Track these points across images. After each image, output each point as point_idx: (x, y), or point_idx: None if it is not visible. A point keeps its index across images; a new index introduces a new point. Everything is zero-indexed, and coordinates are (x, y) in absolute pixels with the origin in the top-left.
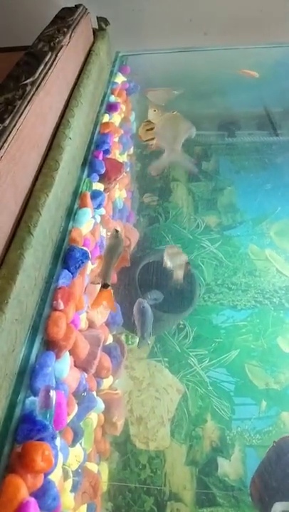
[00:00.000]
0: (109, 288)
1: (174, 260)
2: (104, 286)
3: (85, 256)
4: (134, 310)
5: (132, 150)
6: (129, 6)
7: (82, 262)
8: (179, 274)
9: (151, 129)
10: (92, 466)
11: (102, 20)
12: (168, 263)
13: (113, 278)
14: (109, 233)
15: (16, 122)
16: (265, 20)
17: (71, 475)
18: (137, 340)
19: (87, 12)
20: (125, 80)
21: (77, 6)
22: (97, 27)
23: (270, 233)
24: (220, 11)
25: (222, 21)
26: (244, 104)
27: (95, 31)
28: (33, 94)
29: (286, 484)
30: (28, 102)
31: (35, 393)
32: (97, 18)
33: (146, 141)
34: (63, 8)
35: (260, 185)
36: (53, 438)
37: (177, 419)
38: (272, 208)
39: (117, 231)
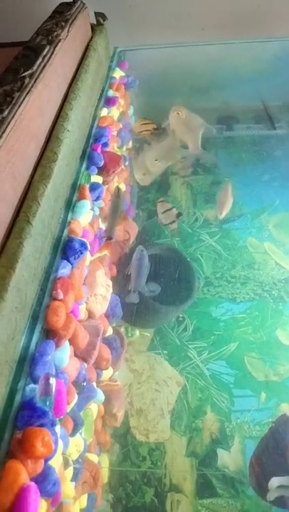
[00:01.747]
0: (112, 240)
1: (167, 218)
2: (108, 238)
3: (84, 247)
4: (133, 258)
5: (130, 144)
6: (127, 2)
7: (82, 253)
8: (173, 226)
9: (146, 124)
10: (93, 457)
11: (100, 16)
12: (162, 220)
13: (113, 270)
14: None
15: (15, 113)
16: (263, 14)
17: (71, 463)
18: (137, 332)
19: (85, 7)
20: (123, 74)
21: (75, 1)
22: (95, 22)
23: (268, 226)
24: (218, 6)
25: (220, 16)
26: (242, 98)
27: (92, 26)
28: (31, 87)
29: (281, 460)
30: (27, 93)
31: (35, 381)
32: (95, 13)
33: (139, 132)
34: (61, 3)
35: (258, 179)
36: (53, 425)
37: (177, 411)
38: (270, 201)
39: (118, 189)
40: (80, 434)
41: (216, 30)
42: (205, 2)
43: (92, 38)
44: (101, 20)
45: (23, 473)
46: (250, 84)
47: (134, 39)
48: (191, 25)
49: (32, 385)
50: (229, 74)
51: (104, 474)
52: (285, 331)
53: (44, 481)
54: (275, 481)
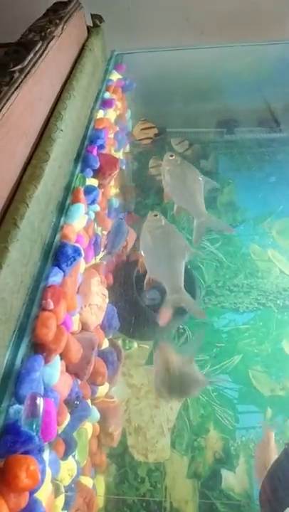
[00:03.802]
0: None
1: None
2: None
3: (77, 253)
4: (111, 225)
5: (128, 148)
6: (125, 5)
7: (75, 259)
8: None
9: (146, 128)
10: (87, 481)
11: (97, 18)
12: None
13: (109, 279)
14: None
15: (2, 108)
16: (263, 17)
17: (63, 490)
18: (135, 344)
19: (80, 6)
20: (120, 77)
21: (70, 0)
22: (91, 25)
23: (272, 232)
24: (216, 9)
25: (219, 19)
26: (242, 101)
27: (89, 28)
28: (21, 82)
29: None
30: (16, 88)
31: (20, 401)
32: (91, 15)
33: (140, 140)
34: (56, 2)
35: (260, 183)
36: (40, 451)
37: (178, 428)
38: (274, 206)
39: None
40: (73, 456)
41: (215, 35)
42: (203, 6)
43: (88, 38)
44: (98, 22)
45: (4, 509)
46: (250, 87)
47: (133, 43)
48: (190, 29)
49: (17, 406)
50: (228, 77)
51: (100, 498)
52: None
53: None
54: None
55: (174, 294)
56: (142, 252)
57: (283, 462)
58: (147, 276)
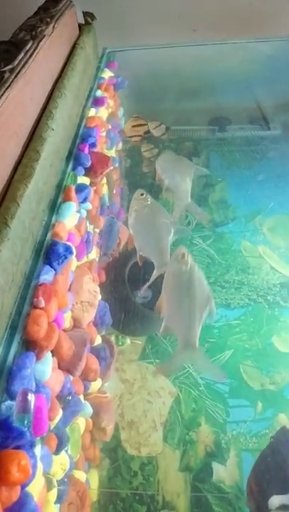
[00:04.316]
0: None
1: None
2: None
3: (69, 251)
4: (103, 226)
5: (120, 146)
6: (117, 3)
7: (66, 258)
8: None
9: (138, 125)
10: (80, 475)
11: (89, 15)
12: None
13: (101, 276)
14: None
15: None
16: (255, 14)
17: (56, 484)
18: (128, 340)
19: (72, 4)
20: (112, 75)
21: None
22: (83, 23)
23: (263, 229)
24: (209, 7)
25: (211, 17)
26: (234, 99)
27: (80, 26)
28: (11, 82)
29: (281, 477)
30: (6, 88)
31: (12, 397)
32: (83, 12)
33: (130, 137)
34: (47, 0)
35: (252, 181)
36: (32, 446)
37: (170, 423)
38: (264, 203)
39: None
40: (66, 451)
41: (208, 32)
42: (196, 4)
43: (79, 36)
44: (89, 20)
45: None
46: (242, 84)
47: (125, 41)
48: (182, 26)
49: (9, 402)
50: (221, 75)
51: (93, 492)
52: (281, 337)
53: (20, 510)
54: (275, 500)
55: (162, 267)
56: (131, 231)
57: (268, 455)
58: (138, 254)
